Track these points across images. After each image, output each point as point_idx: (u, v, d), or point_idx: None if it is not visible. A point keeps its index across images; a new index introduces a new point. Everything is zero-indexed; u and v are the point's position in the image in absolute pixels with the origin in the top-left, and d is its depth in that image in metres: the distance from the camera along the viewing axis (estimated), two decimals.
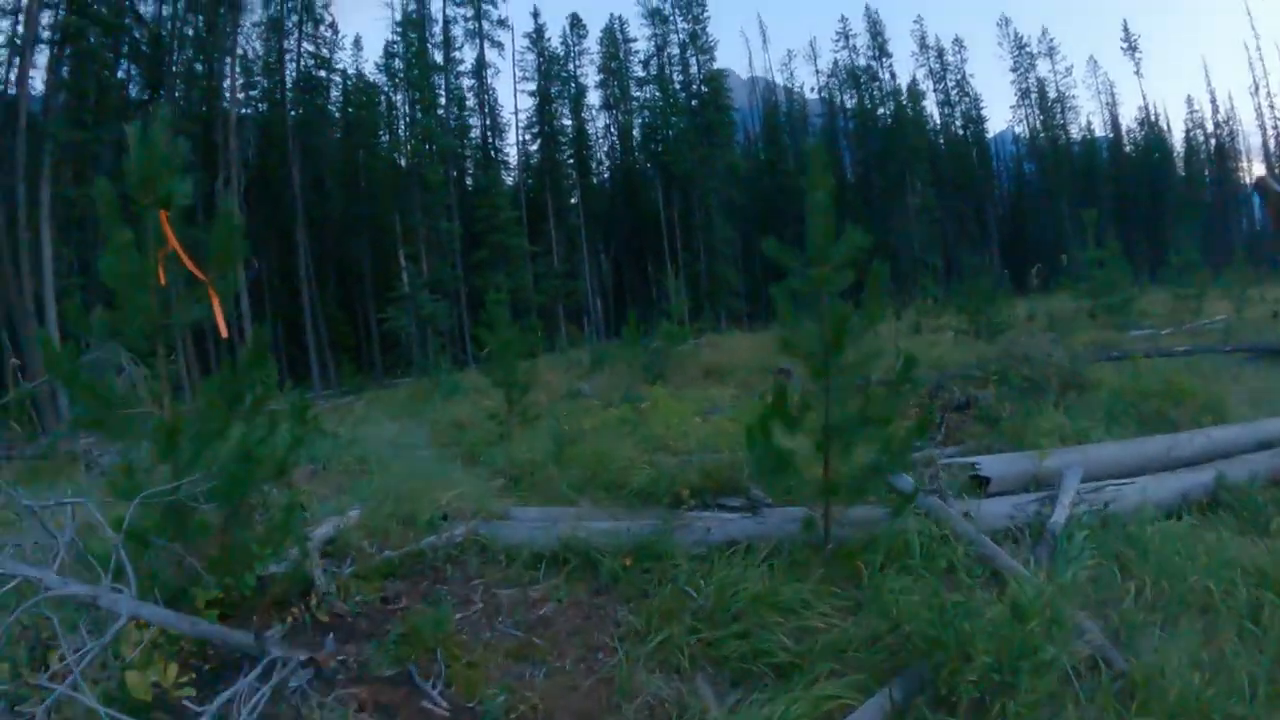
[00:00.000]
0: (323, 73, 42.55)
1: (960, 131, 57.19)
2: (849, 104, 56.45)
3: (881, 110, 54.96)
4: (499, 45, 45.74)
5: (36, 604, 3.17)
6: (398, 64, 41.61)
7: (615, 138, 52.85)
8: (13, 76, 27.30)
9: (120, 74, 32.77)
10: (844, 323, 3.97)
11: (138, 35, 33.02)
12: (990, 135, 60.03)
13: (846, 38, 56.43)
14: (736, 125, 51.27)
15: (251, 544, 4.20)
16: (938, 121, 56.69)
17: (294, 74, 40.60)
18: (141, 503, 3.84)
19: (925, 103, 56.18)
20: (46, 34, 28.07)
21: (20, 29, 26.83)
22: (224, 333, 4.00)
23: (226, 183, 27.70)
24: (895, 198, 49.34)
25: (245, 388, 4.24)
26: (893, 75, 56.40)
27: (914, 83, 56.25)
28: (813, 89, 58.70)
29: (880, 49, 55.67)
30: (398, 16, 42.02)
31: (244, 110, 38.86)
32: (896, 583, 4.20)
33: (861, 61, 56.20)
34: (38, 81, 28.47)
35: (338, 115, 43.96)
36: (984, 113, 58.29)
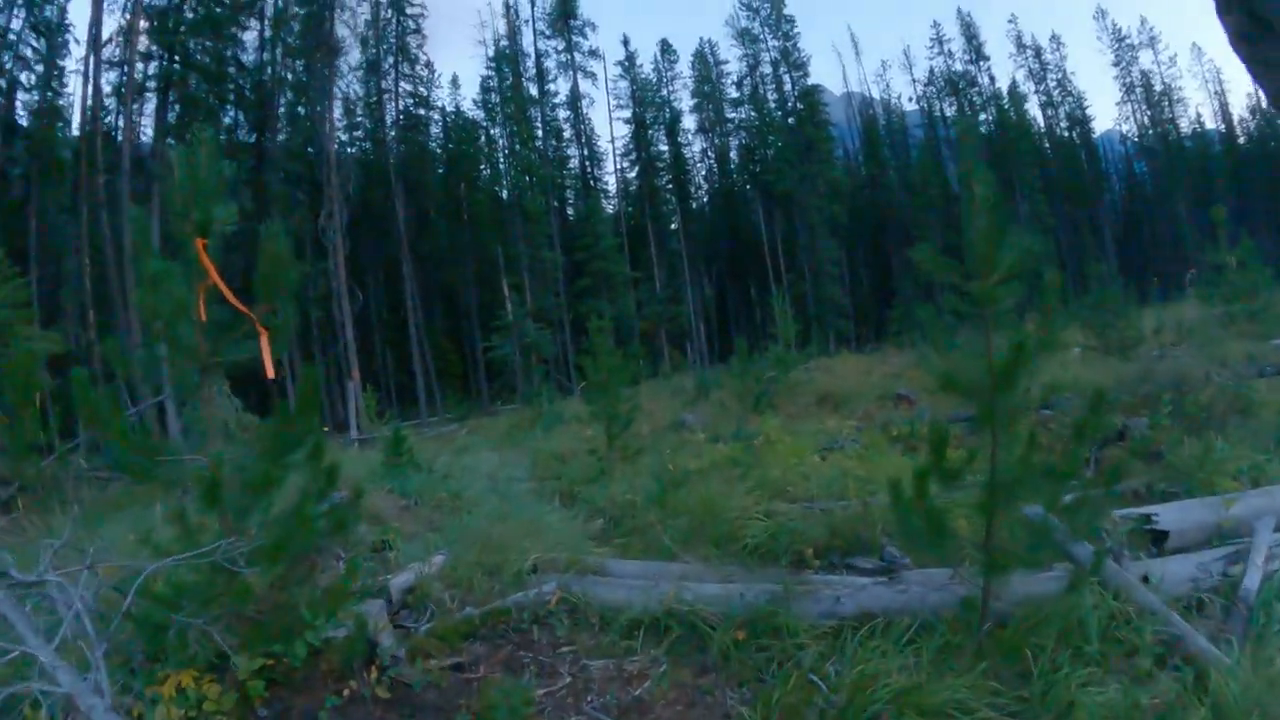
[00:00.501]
0: (422, 110, 43.90)
1: (1066, 133, 53.71)
2: (949, 112, 53.89)
3: (983, 116, 52.24)
4: (591, 76, 46.24)
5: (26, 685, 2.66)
6: (494, 99, 42.53)
7: (713, 160, 52.19)
8: (121, 123, 29.16)
9: (228, 119, 34.69)
10: (1020, 351, 3.09)
11: (240, 82, 34.92)
12: (1097, 135, 56.05)
13: (941, 43, 54.05)
14: (835, 141, 49.78)
15: (303, 609, 3.62)
16: (1042, 125, 53.40)
17: (395, 113, 41.98)
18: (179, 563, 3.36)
19: (1028, 105, 53.12)
20: (152, 83, 30.07)
21: (124, 78, 28.77)
22: (269, 373, 3.46)
23: (329, 218, 28.63)
24: (1003, 206, 46.29)
25: (298, 435, 3.68)
26: (991, 79, 53.58)
27: (1014, 85, 53.29)
28: (910, 99, 56.53)
29: (976, 52, 53.04)
30: (491, 53, 43.24)
31: (349, 149, 40.58)
32: (1073, 674, 3.34)
33: (958, 67, 53.72)
34: (148, 126, 30.70)
35: (439, 151, 45.11)
36: (1089, 112, 54.55)
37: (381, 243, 39.10)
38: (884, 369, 19.80)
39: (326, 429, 24.73)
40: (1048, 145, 52.41)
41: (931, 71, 54.42)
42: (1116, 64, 53.67)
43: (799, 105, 47.18)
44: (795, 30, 48.85)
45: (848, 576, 4.79)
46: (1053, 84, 53.38)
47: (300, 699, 3.68)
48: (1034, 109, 53.35)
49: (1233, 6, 1.66)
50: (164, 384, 3.93)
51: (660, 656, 4.28)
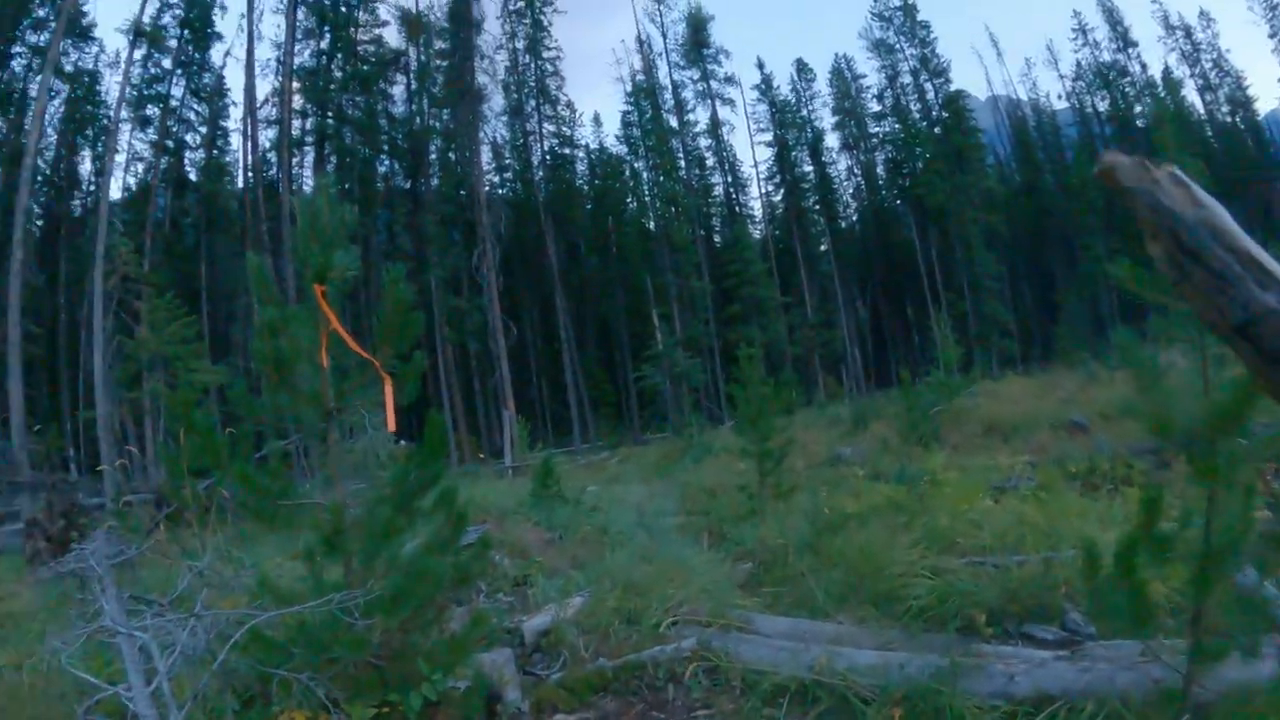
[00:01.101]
0: (567, 149, 45.39)
1: (1228, 117, 47.96)
2: (1101, 107, 49.41)
3: (1138, 107, 47.38)
4: (730, 102, 46.18)
5: None
6: (635, 133, 43.20)
7: (860, 177, 50.71)
8: (281, 174, 32.05)
9: (383, 167, 37.15)
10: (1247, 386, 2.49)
11: (391, 133, 37.34)
12: (1262, 115, 49.36)
13: (1084, 34, 49.63)
14: (985, 148, 46.91)
15: (421, 661, 3.47)
16: (1201, 111, 47.86)
17: (540, 153, 43.59)
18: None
19: (1184, 91, 47.64)
20: (309, 137, 32.81)
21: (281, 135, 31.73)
22: (391, 425, 3.36)
23: (483, 256, 29.94)
24: None
25: (425, 481, 3.56)
26: (1143, 66, 48.58)
27: (1167, 71, 47.99)
28: (1059, 96, 52.10)
29: (1123, 39, 48.30)
30: (629, 88, 44.09)
31: (499, 190, 42.51)
32: None
33: (1105, 57, 49.18)
34: (308, 177, 33.63)
35: (585, 187, 46.40)
36: (1250, 92, 48.08)
37: (534, 277, 40.54)
38: (1055, 393, 18.19)
39: (482, 456, 25.75)
40: (1210, 132, 46.92)
41: (1078, 65, 50.28)
42: (1273, 35, 47.27)
43: (944, 113, 45.13)
44: (932, 36, 46.99)
45: (1023, 649, 4.16)
46: (1208, 65, 47.77)
47: None
48: (1191, 94, 47.97)
49: (1159, 235, 1.71)
50: (289, 428, 3.91)
51: None
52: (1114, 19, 48.49)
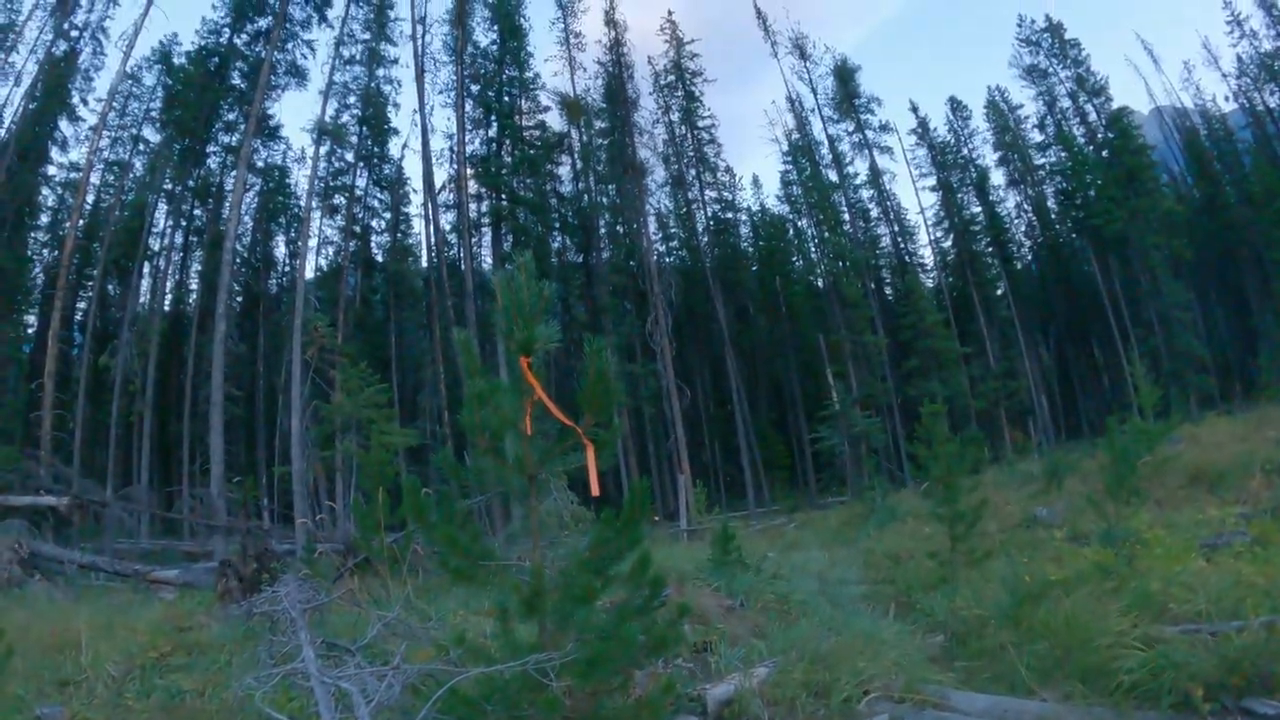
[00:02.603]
0: (729, 214, 45.93)
1: None
2: (1271, 103, 42.80)
3: None
4: (887, 150, 44.80)
5: None
6: (795, 191, 43.19)
7: (1030, 213, 47.66)
8: (462, 253, 34.79)
9: (556, 243, 39.39)
10: None
11: (562, 210, 39.78)
12: None
13: (1239, 24, 43.56)
14: (1157, 165, 42.70)
15: None
16: None
17: (704, 219, 44.38)
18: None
19: None
20: (486, 219, 35.72)
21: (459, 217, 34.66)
22: (595, 490, 3.68)
23: (655, 323, 30.86)
24: None
25: (624, 546, 3.85)
26: None
27: None
28: (1226, 97, 46.18)
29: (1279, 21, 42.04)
30: (785, 147, 44.06)
31: (667, 259, 43.78)
32: None
33: (1266, 46, 42.67)
34: (488, 255, 36.56)
35: (750, 249, 46.75)
36: None
37: (705, 341, 41.18)
38: (1264, 432, 16.26)
39: (657, 519, 26.08)
40: None
41: (1239, 60, 44.64)
42: None
43: (1109, 133, 41.69)
44: (1084, 54, 43.70)
45: None
46: None
47: None
48: None
49: None
50: (493, 492, 4.34)
51: None
52: (1267, 2, 43.14)
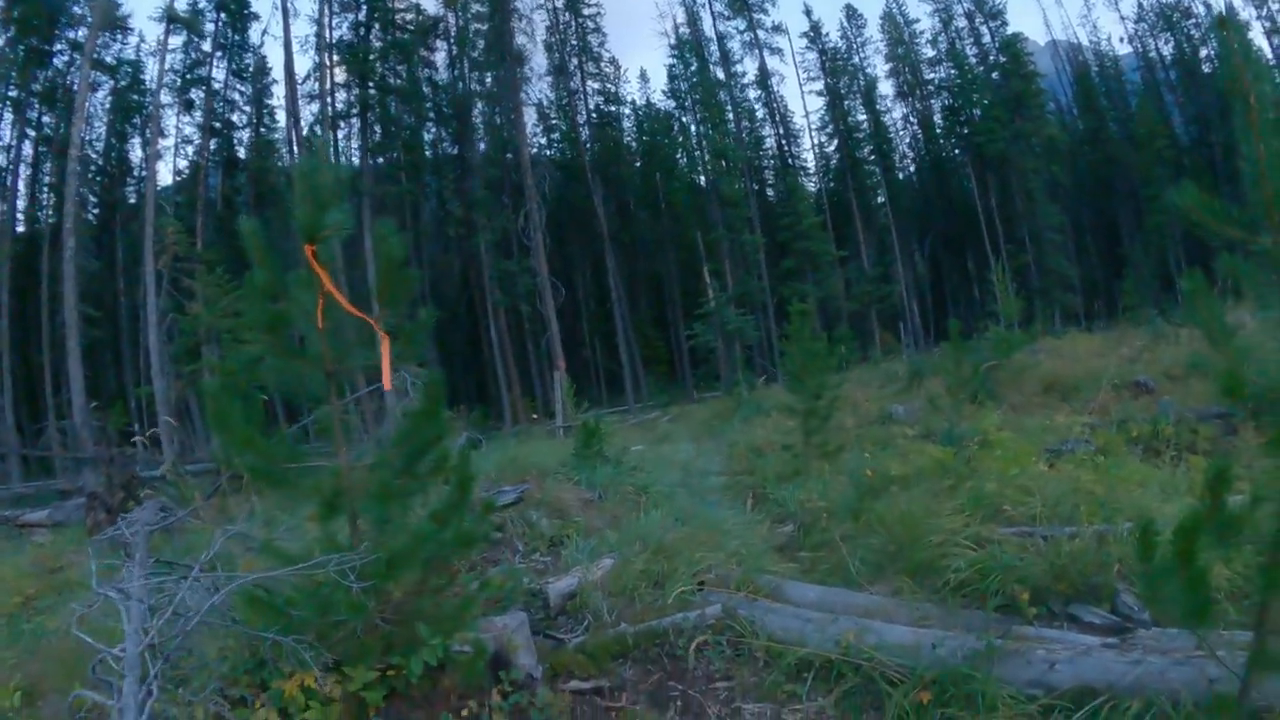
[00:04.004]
0: (613, 107, 44.41)
1: None
2: (1165, 51, 45.80)
3: (1204, 51, 43.69)
4: (778, 51, 44.23)
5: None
6: (682, 87, 41.89)
7: (916, 126, 48.47)
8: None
9: (429, 135, 37.58)
10: None
11: (435, 100, 37.49)
12: None
13: None
14: (1045, 94, 44.22)
15: (421, 626, 3.35)
16: (1269, 56, 43.36)
17: (586, 112, 42.85)
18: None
19: (1250, 35, 42.74)
20: (354, 109, 33.27)
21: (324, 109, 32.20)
22: (386, 383, 3.19)
23: (527, 218, 29.72)
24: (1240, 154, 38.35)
25: (425, 443, 3.40)
26: (1207, 7, 44.09)
27: (1231, 12, 43.39)
28: (1121, 39, 48.27)
29: None
30: (673, 41, 42.46)
31: (546, 151, 42.27)
32: None
33: None
34: (356, 149, 34.16)
35: (633, 144, 45.45)
36: None
37: (585, 238, 40.24)
38: (1119, 351, 17.30)
39: (535, 417, 25.84)
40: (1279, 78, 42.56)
41: (1140, 5, 46.57)
42: None
43: (1001, 57, 42.62)
44: None
45: (1068, 633, 3.83)
46: (1276, 6, 43.60)
47: (418, 714, 3.42)
48: (1259, 37, 43.23)
49: None
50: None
51: (827, 709, 3.65)
52: None
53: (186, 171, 33.46)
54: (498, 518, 7.72)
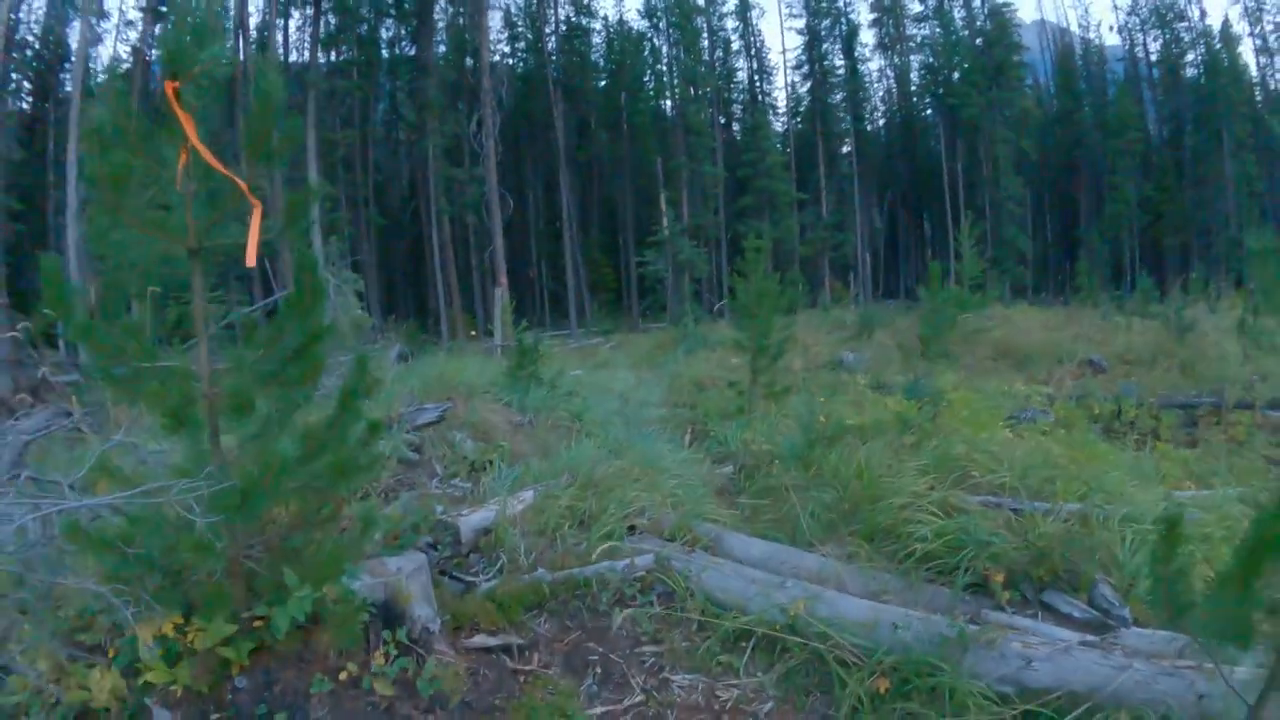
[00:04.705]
0: (584, 19, 42.11)
1: None
2: (1153, 49, 45.69)
3: (1190, 55, 43.95)
4: None
5: None
6: (658, 6, 39.96)
7: (892, 80, 47.55)
8: (279, 39, 30.48)
9: (388, 32, 35.25)
10: None
11: None
12: None
13: None
14: (1026, 68, 43.82)
15: (287, 572, 2.71)
16: (1254, 74, 43.17)
17: (555, 23, 40.49)
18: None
19: (1240, 49, 43.11)
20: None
21: None
22: (250, 260, 2.45)
23: (480, 123, 27.96)
24: (1209, 162, 39.64)
25: (292, 342, 2.67)
26: (1202, 13, 44.54)
27: (1226, 24, 43.93)
28: (1111, 28, 48.39)
29: None
30: None
31: (510, 59, 40.28)
32: None
33: None
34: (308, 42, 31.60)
35: (601, 62, 43.30)
36: None
37: (543, 155, 38.58)
38: (1070, 329, 17.29)
39: (474, 334, 24.95)
40: (1259, 97, 43.54)
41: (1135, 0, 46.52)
42: None
43: (988, 24, 41.84)
44: None
45: (1042, 624, 3.38)
46: (1269, 27, 43.89)
47: (289, 674, 2.81)
48: (1247, 53, 43.53)
49: None
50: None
51: (767, 687, 3.16)
52: None
53: (130, 56, 30.66)
54: (417, 437, 7.07)
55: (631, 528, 4.60)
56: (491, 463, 6.47)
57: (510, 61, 41.21)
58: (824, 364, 13.27)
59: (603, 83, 42.41)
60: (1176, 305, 15.33)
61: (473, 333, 26.42)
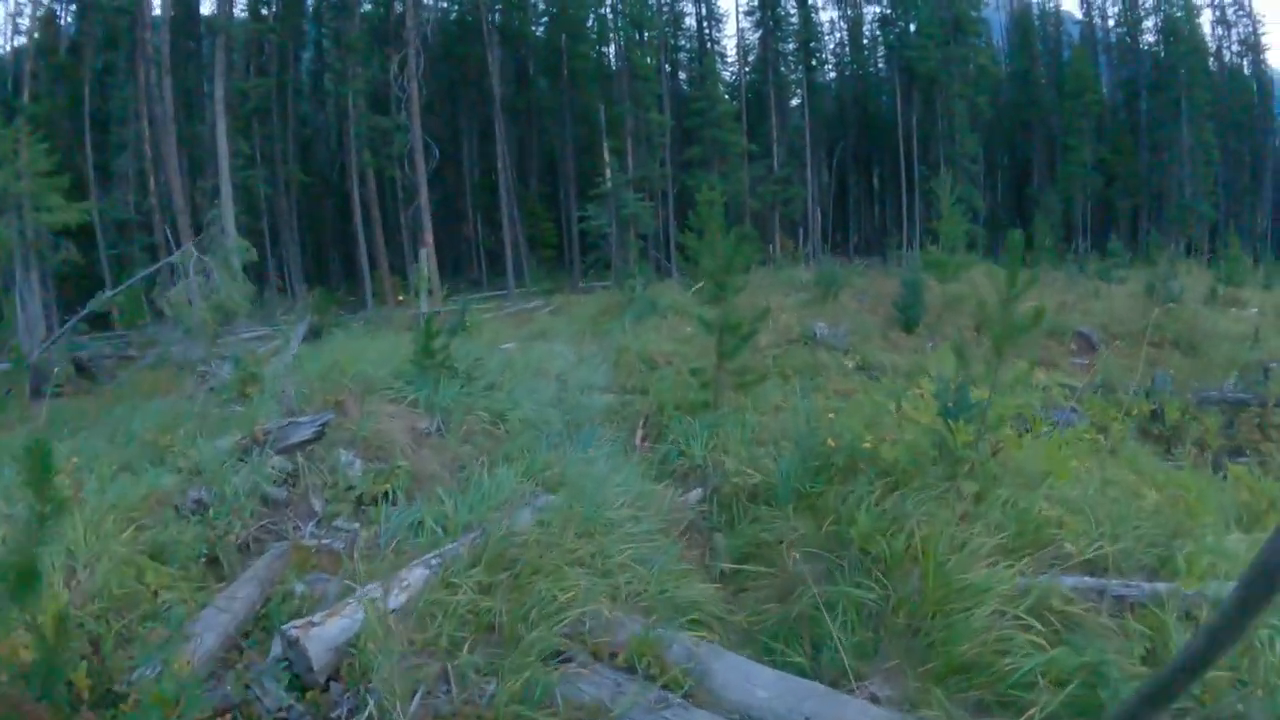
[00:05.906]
0: None
1: (1236, 59, 44.66)
2: (1111, 14, 45.72)
3: (1147, 22, 43.82)
4: None
5: None
6: None
7: (845, 31, 46.19)
8: None
9: None
10: None
11: None
12: (1269, 69, 45.97)
13: None
14: (984, 24, 42.74)
15: None
16: (1210, 45, 43.99)
17: None
18: None
19: (1199, 20, 43.39)
20: None
21: None
22: None
23: (403, 65, 25.30)
24: (1165, 128, 39.88)
25: None
26: None
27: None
28: None
29: None
30: None
31: (443, 2, 37.29)
32: None
33: None
34: None
35: (540, 3, 40.50)
36: (1264, 40, 45.35)
37: (477, 100, 35.97)
38: (1052, 296, 16.20)
39: (403, 300, 22.78)
40: (1213, 66, 43.70)
41: None
42: None
43: None
44: None
45: None
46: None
47: None
48: (1205, 24, 44.07)
49: None
50: None
51: None
52: None
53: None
54: (289, 463, 5.30)
55: (565, 658, 2.96)
56: (386, 494, 4.85)
57: (445, 3, 38.22)
58: (795, 337, 11.64)
59: (542, 24, 39.94)
60: (1164, 274, 14.18)
61: (400, 298, 24.16)
